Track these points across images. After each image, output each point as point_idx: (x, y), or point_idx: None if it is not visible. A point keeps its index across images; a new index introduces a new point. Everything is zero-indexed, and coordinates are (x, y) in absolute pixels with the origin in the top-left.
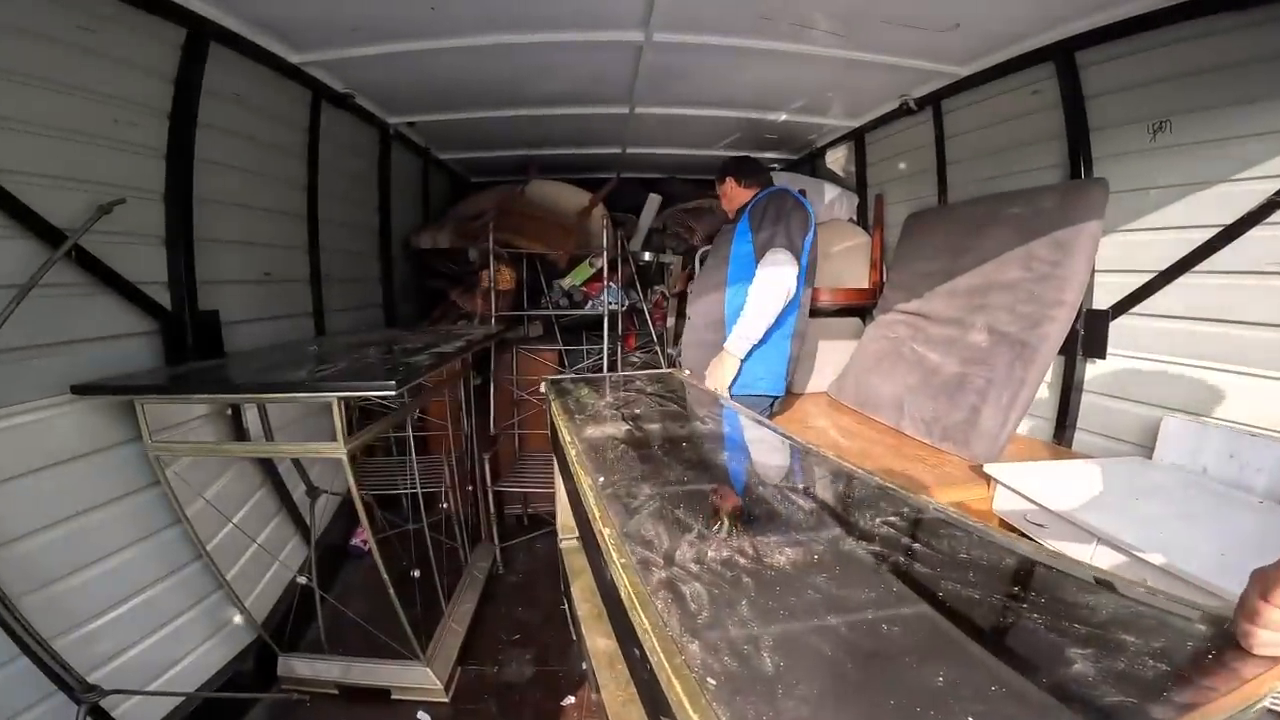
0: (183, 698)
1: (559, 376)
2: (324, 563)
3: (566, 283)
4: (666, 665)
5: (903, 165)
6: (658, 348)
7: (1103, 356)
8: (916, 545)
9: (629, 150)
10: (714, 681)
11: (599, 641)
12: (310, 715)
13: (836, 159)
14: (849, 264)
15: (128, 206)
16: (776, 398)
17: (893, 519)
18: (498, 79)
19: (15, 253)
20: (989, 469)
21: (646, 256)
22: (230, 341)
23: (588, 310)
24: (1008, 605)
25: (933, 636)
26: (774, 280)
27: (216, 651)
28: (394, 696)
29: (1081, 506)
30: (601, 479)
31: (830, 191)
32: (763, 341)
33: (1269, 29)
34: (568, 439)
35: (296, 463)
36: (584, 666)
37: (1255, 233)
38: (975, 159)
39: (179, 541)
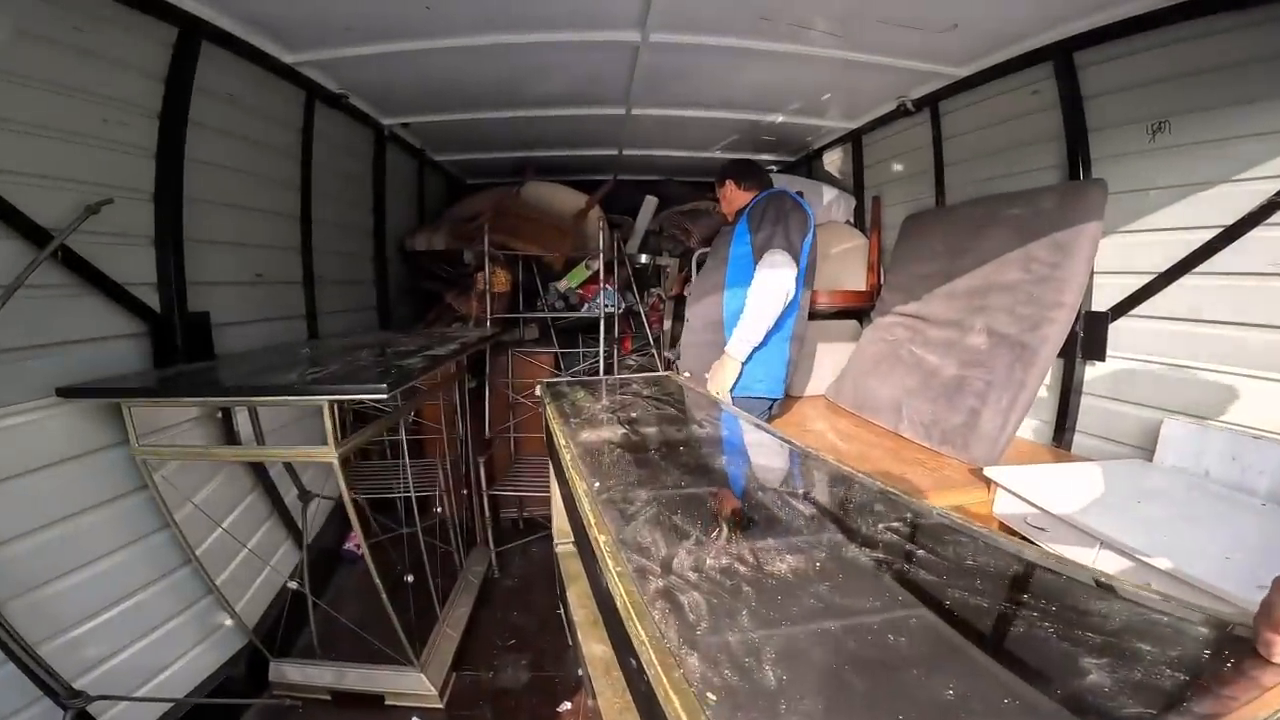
0: (171, 703)
1: (555, 379)
2: (317, 567)
3: (562, 285)
4: (664, 679)
5: (900, 167)
6: (654, 351)
7: (1102, 359)
8: (920, 552)
9: (625, 152)
10: (714, 696)
11: (595, 647)
12: None
13: (834, 161)
14: (846, 266)
15: (116, 206)
16: (775, 400)
17: (895, 524)
18: (494, 80)
19: (1, 253)
20: (989, 472)
21: (643, 259)
22: (221, 344)
23: (584, 313)
24: (1017, 613)
25: (940, 647)
26: (772, 282)
27: (207, 657)
28: (388, 702)
29: (1083, 510)
30: (597, 484)
31: (828, 193)
32: (762, 344)
33: (1268, 29)
34: (563, 443)
35: (289, 466)
36: (580, 673)
37: (1255, 234)
38: (973, 160)
39: (168, 546)
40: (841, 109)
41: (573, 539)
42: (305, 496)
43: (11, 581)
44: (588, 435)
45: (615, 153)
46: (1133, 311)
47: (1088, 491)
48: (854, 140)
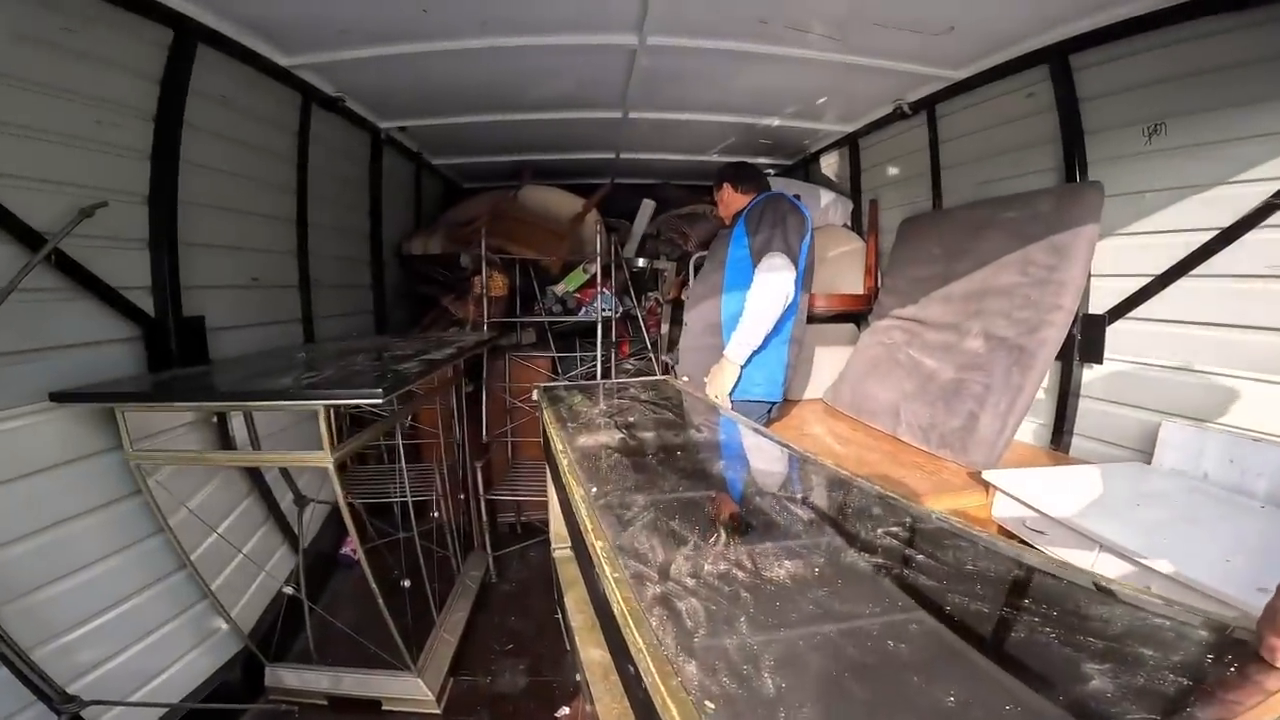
0: (166, 708)
1: (552, 384)
2: (313, 572)
3: (559, 289)
4: (662, 687)
5: (897, 170)
6: (652, 355)
7: (1100, 361)
8: (919, 556)
9: (623, 155)
10: (712, 705)
11: (593, 652)
12: None
13: (831, 164)
14: (844, 269)
15: (110, 209)
16: (774, 404)
17: (894, 529)
18: (490, 83)
19: None
20: (987, 475)
21: (640, 263)
22: (216, 348)
23: (581, 317)
24: (1017, 618)
25: (940, 653)
26: (771, 285)
27: (202, 662)
28: (384, 708)
29: (1082, 513)
30: (594, 489)
31: (825, 196)
32: (760, 347)
33: (1267, 29)
34: (560, 447)
35: (284, 471)
36: (578, 678)
37: (1253, 236)
38: (970, 163)
39: (162, 551)
40: (838, 112)
41: (570, 544)
42: (301, 501)
43: (5, 586)
44: (585, 440)
45: (612, 156)
46: (1130, 314)
47: (1086, 494)
48: (851, 143)
